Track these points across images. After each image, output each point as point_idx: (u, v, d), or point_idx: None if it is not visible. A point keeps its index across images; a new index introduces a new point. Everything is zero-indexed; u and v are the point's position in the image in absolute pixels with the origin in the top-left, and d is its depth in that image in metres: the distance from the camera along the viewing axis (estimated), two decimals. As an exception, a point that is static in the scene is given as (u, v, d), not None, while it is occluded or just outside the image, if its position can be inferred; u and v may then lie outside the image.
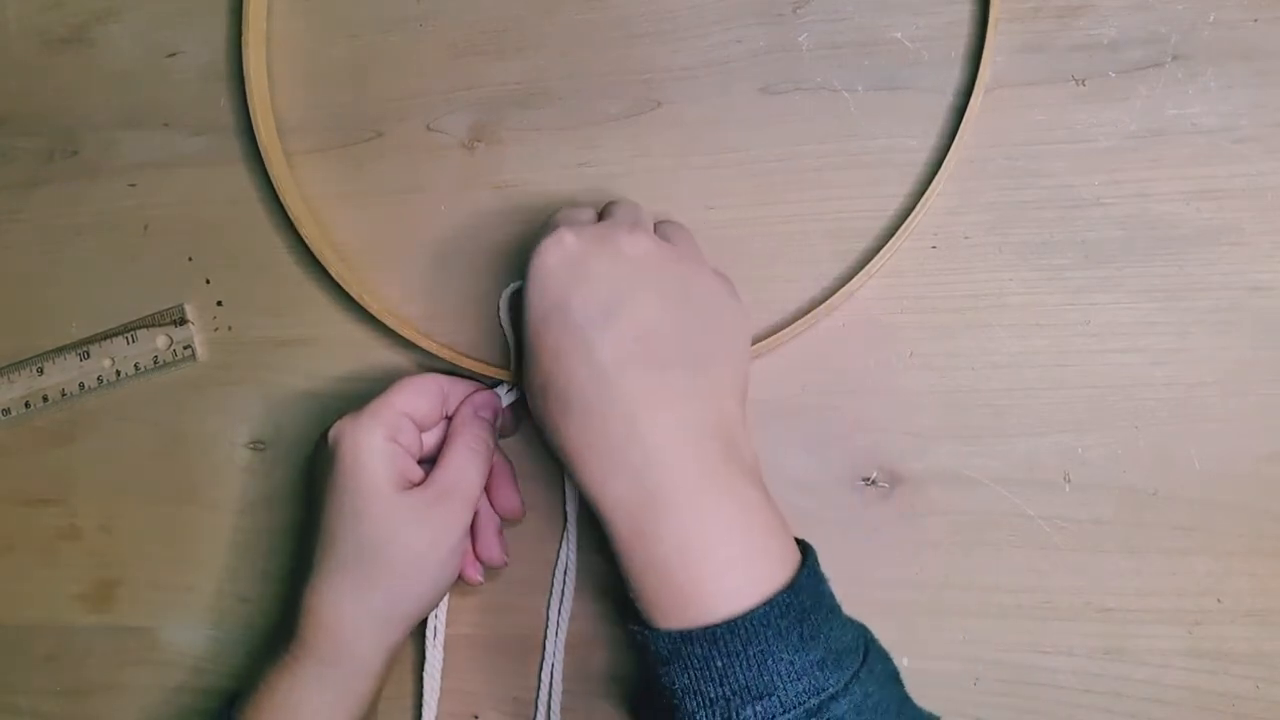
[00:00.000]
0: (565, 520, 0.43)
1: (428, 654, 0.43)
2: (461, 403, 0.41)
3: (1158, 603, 0.39)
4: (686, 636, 0.31)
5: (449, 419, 0.41)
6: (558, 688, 0.43)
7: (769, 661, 0.30)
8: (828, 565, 0.41)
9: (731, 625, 0.30)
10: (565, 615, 0.43)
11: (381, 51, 0.47)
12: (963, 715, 0.40)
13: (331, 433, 0.38)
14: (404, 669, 0.44)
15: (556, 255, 0.35)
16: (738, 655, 0.30)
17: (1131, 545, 0.39)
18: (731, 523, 0.32)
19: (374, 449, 0.37)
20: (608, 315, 0.34)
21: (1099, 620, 0.39)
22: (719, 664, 0.30)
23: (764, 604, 0.31)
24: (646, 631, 0.32)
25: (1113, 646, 0.39)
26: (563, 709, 0.43)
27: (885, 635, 0.40)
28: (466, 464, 0.39)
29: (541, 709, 0.43)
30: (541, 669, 0.43)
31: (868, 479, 0.41)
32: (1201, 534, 0.38)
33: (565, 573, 0.43)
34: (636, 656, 0.34)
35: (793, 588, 0.31)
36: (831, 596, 0.34)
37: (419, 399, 0.39)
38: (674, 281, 0.35)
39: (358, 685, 0.38)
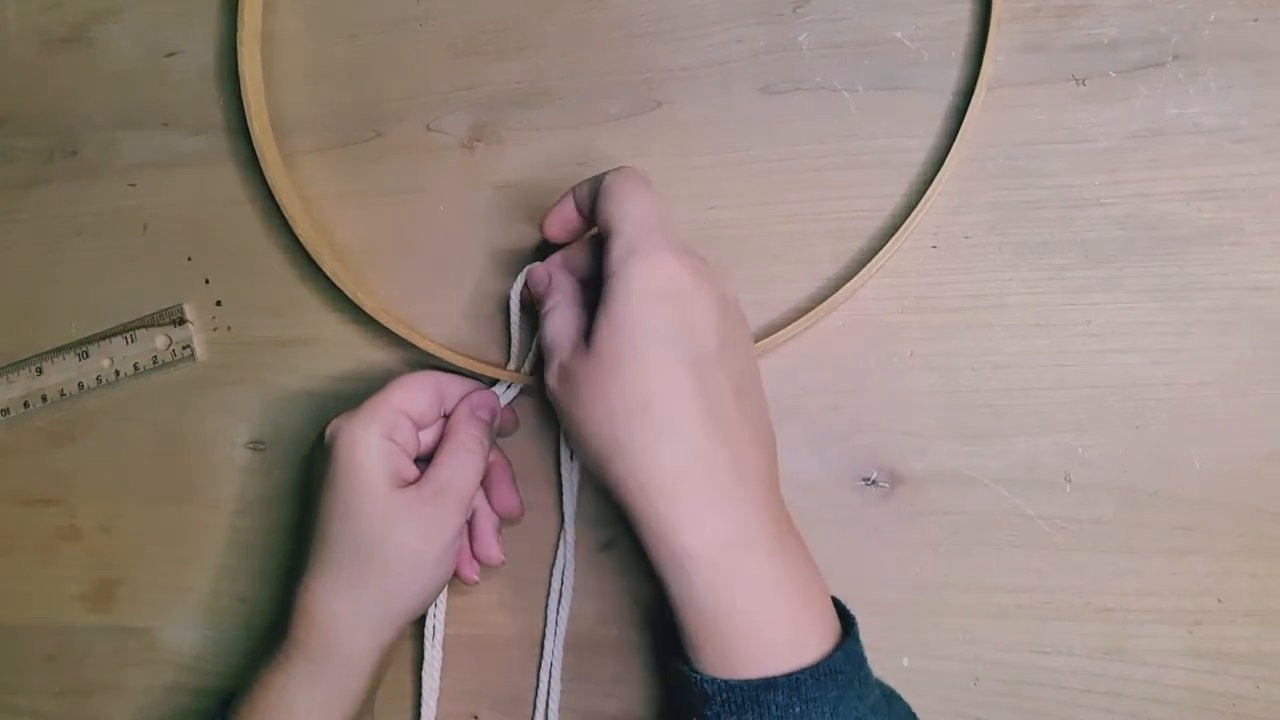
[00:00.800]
0: (563, 520, 0.43)
1: (426, 654, 0.43)
2: (459, 401, 0.41)
3: (1158, 603, 0.39)
4: (769, 684, 0.31)
5: (446, 417, 0.41)
6: (557, 688, 0.43)
7: (841, 708, 0.31)
8: (828, 565, 0.41)
9: (814, 670, 0.31)
10: (565, 615, 0.43)
11: (381, 51, 0.46)
12: (963, 715, 0.40)
13: (328, 430, 0.38)
14: (403, 668, 0.44)
15: (665, 278, 0.33)
16: (816, 701, 0.31)
17: (1131, 545, 0.39)
18: (802, 574, 0.33)
19: (370, 446, 0.37)
20: (718, 357, 0.33)
21: (1099, 620, 0.39)
22: (797, 710, 0.31)
23: (837, 650, 0.32)
24: (718, 681, 0.31)
25: (1113, 646, 0.39)
26: (562, 709, 0.43)
27: (885, 635, 0.40)
28: (461, 463, 0.39)
29: (541, 709, 0.43)
30: (540, 669, 0.43)
31: (868, 479, 0.41)
32: (1201, 534, 0.38)
33: (564, 573, 0.43)
34: (672, 702, 0.34)
35: (853, 635, 0.33)
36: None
37: (416, 396, 0.39)
38: (746, 332, 0.36)
39: (350, 683, 0.38)
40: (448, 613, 0.43)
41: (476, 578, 0.41)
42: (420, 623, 0.43)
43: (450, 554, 0.39)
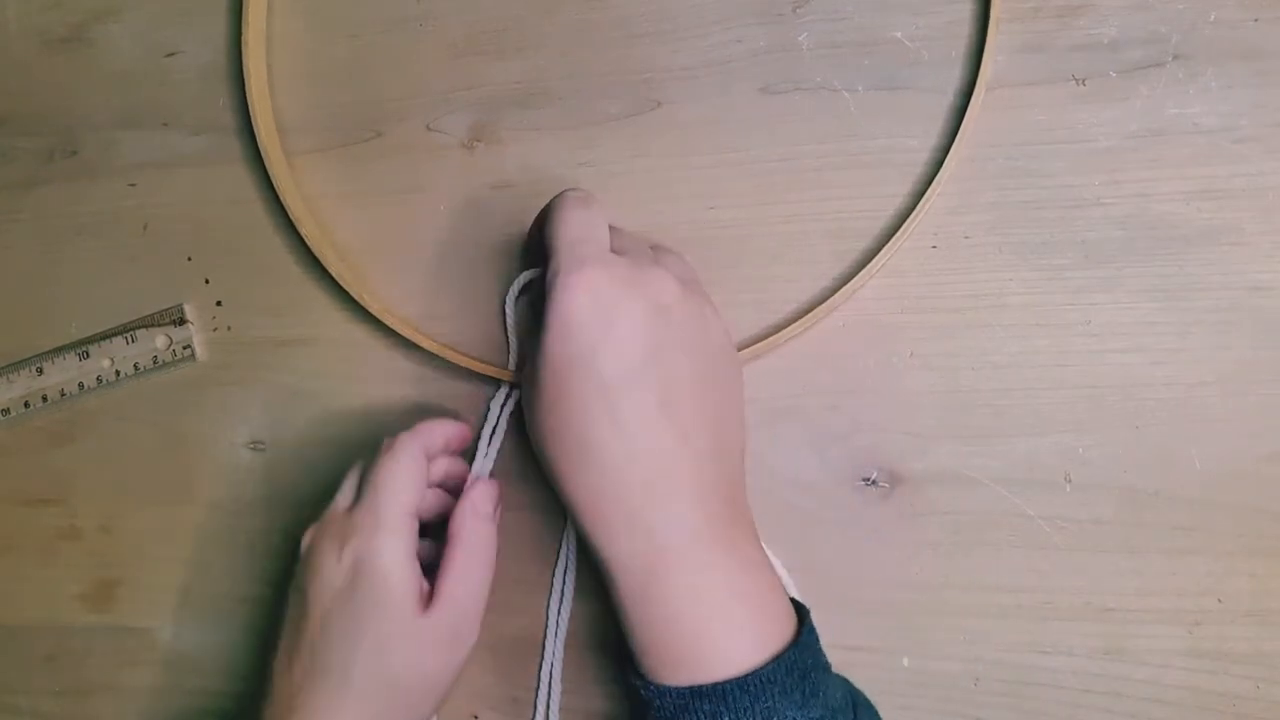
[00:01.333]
0: (565, 520, 0.43)
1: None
2: (461, 500, 0.38)
3: (1158, 603, 0.39)
4: (696, 692, 0.31)
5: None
6: (557, 688, 0.43)
7: (774, 718, 0.30)
8: (828, 565, 0.41)
9: (741, 682, 0.31)
10: (565, 615, 0.43)
11: (381, 51, 0.46)
12: (963, 715, 0.40)
13: (350, 546, 0.36)
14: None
15: (585, 298, 0.32)
16: (745, 711, 0.30)
17: (1131, 545, 0.39)
18: (738, 582, 0.33)
19: (402, 571, 0.36)
20: (638, 373, 0.32)
21: (1099, 620, 0.39)
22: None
23: (771, 661, 0.31)
24: (652, 687, 0.32)
25: (1113, 646, 0.39)
26: (562, 709, 0.43)
27: (885, 635, 0.40)
28: (474, 574, 0.37)
29: (541, 709, 0.43)
30: (541, 669, 0.43)
31: (868, 479, 0.41)
32: (1201, 534, 0.38)
33: (565, 573, 0.43)
34: (631, 708, 0.34)
35: (797, 645, 0.32)
36: (824, 654, 0.34)
37: (416, 482, 0.38)
38: (697, 333, 0.34)
39: None
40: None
41: None
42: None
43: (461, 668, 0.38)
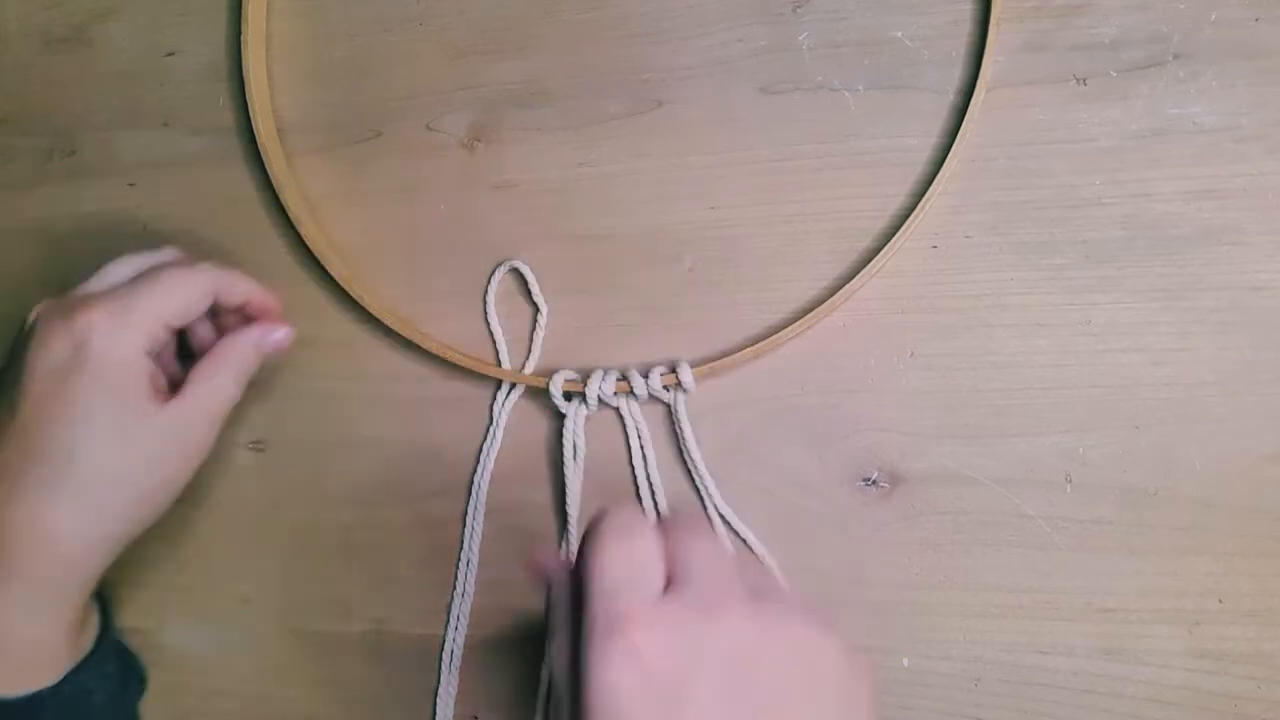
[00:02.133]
0: (565, 521, 0.43)
1: (442, 679, 0.43)
2: (245, 325, 0.39)
3: (1158, 603, 0.39)
4: None
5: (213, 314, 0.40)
6: (558, 688, 0.43)
7: None
8: (828, 565, 0.41)
9: None
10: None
11: (381, 51, 0.46)
12: (963, 715, 0.40)
13: (79, 325, 0.34)
14: (406, 668, 0.44)
15: (630, 676, 0.24)
16: None
17: (1132, 545, 0.39)
18: None
19: (137, 361, 0.34)
20: None
21: (1099, 620, 0.39)
22: None
23: None
24: None
25: (1113, 646, 0.39)
26: (563, 709, 0.43)
27: (885, 635, 0.40)
28: (221, 379, 0.37)
29: (541, 708, 0.43)
30: (543, 669, 0.43)
31: (868, 479, 0.41)
32: (1201, 534, 0.38)
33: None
34: None
35: None
36: None
37: (185, 308, 0.36)
38: (799, 676, 0.26)
39: (69, 599, 0.36)
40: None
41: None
42: (437, 643, 0.43)
43: (194, 466, 0.37)
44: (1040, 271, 0.40)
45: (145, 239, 0.48)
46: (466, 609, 0.44)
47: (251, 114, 0.45)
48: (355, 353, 0.46)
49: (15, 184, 0.50)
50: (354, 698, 0.45)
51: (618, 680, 0.24)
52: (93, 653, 0.38)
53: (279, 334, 0.40)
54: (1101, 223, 0.39)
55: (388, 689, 0.45)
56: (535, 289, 0.43)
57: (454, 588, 0.44)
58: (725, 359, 0.41)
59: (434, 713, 0.43)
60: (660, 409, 0.43)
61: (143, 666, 0.44)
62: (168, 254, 0.40)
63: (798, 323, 0.40)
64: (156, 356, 0.37)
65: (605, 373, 0.42)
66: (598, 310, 0.44)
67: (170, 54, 0.49)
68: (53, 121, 0.50)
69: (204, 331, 0.41)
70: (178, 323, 0.37)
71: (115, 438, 0.34)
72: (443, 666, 0.43)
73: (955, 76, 0.41)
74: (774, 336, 0.40)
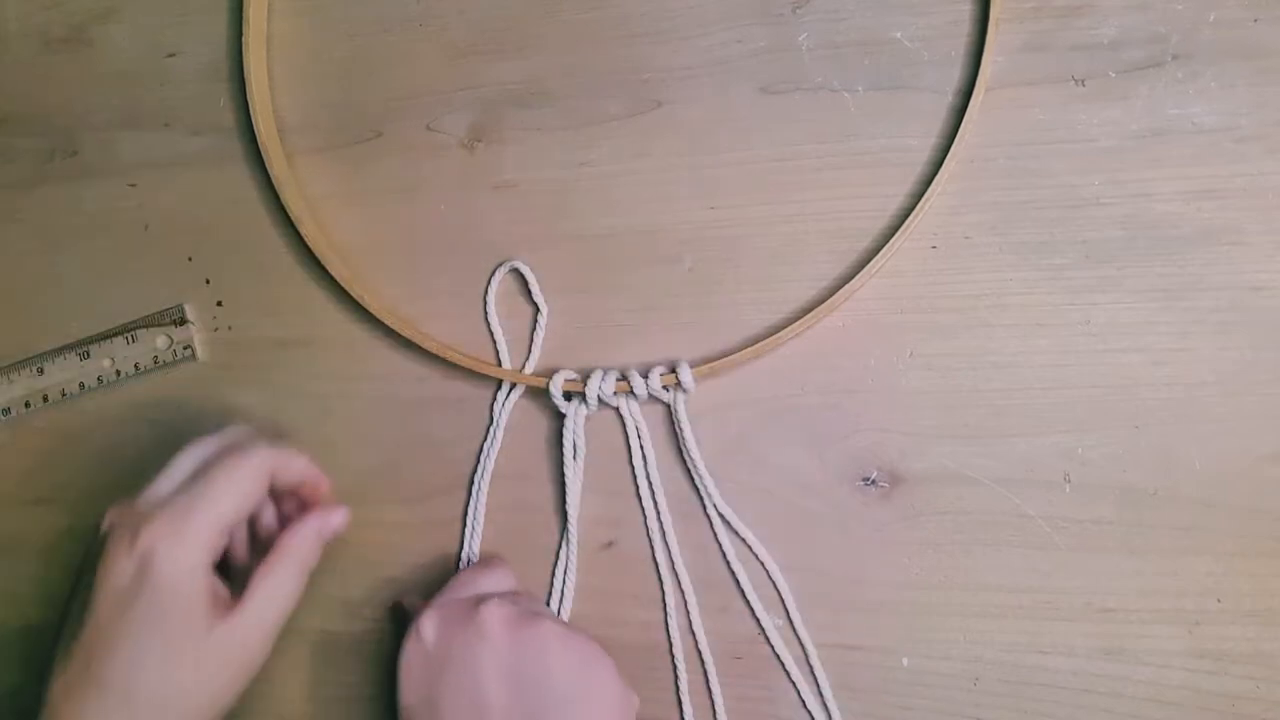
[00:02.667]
0: (565, 520, 0.43)
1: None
2: (309, 516, 0.39)
3: (1158, 603, 0.39)
4: None
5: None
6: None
7: None
8: (828, 565, 0.41)
9: None
10: (565, 615, 0.43)
11: (381, 51, 0.46)
12: (963, 715, 0.40)
13: (142, 543, 0.34)
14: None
15: (418, 654, 0.36)
16: None
17: (1131, 545, 0.39)
18: None
19: (196, 579, 0.34)
20: (475, 712, 0.35)
21: (1099, 620, 0.39)
22: None
23: None
24: None
25: (1113, 646, 0.39)
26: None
27: (885, 635, 0.40)
28: (287, 590, 0.37)
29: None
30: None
31: (868, 479, 0.41)
32: (1201, 534, 0.38)
33: (565, 572, 0.43)
34: None
35: None
36: None
37: (243, 505, 0.36)
38: (532, 663, 0.36)
39: None
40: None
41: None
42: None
43: (258, 666, 0.37)
44: (1040, 271, 0.40)
45: (145, 239, 0.48)
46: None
47: (252, 114, 0.45)
48: (355, 353, 0.46)
49: (15, 184, 0.50)
50: (354, 697, 0.45)
51: (410, 657, 0.37)
52: None
53: (336, 519, 0.40)
54: (1101, 223, 0.39)
55: (388, 689, 0.45)
56: (535, 289, 0.44)
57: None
58: (725, 359, 0.41)
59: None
60: (660, 409, 0.43)
61: None
62: (231, 435, 0.40)
63: (798, 323, 0.40)
64: (224, 554, 0.37)
65: (605, 373, 0.42)
66: (598, 310, 0.44)
67: (171, 54, 0.49)
68: (53, 122, 0.50)
69: (267, 517, 0.41)
70: (238, 520, 0.37)
71: (172, 664, 0.34)
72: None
73: (955, 77, 0.41)
74: (774, 336, 0.40)
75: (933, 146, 0.41)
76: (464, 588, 0.39)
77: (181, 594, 0.34)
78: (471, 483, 0.44)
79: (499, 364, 0.44)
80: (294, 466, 0.39)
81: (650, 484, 0.42)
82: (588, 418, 0.43)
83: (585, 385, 0.41)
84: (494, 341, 0.44)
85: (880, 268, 0.40)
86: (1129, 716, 0.39)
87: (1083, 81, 0.40)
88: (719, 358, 0.41)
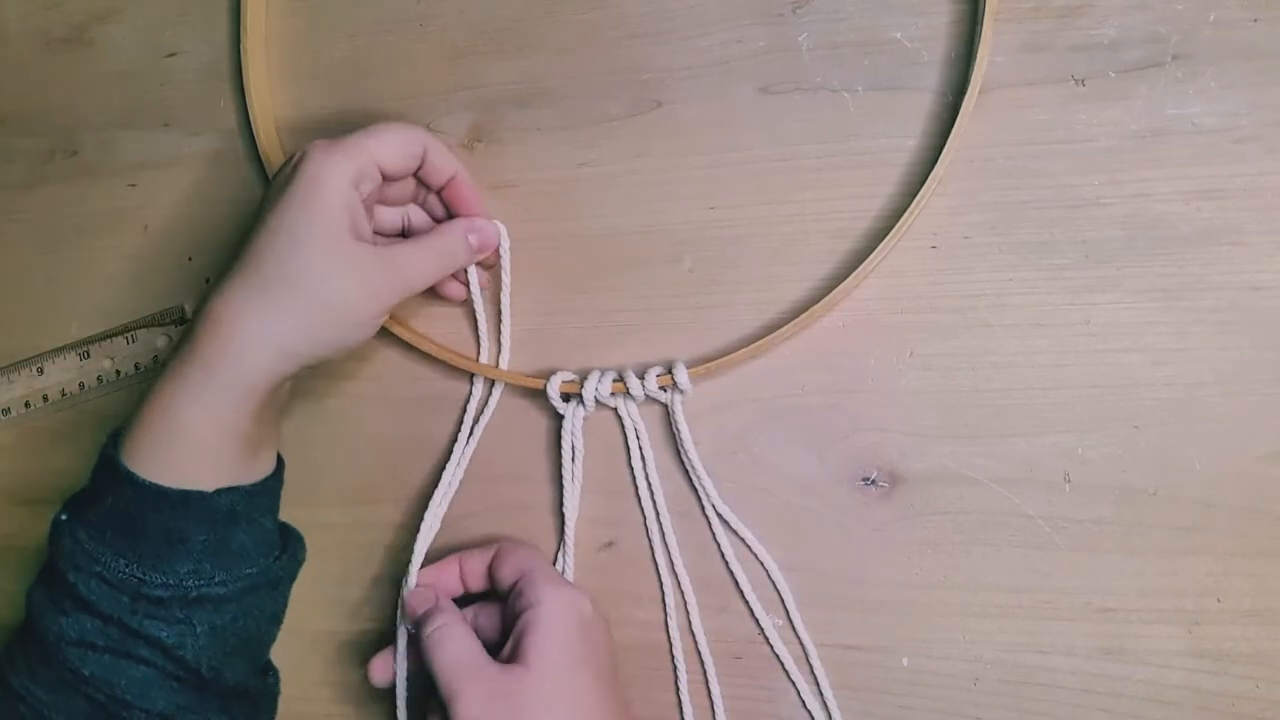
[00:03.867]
0: (564, 520, 0.43)
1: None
2: (458, 217, 0.42)
3: (1158, 603, 0.39)
4: None
5: (419, 180, 0.42)
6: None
7: None
8: (828, 565, 0.41)
9: None
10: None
11: (381, 51, 0.47)
12: (963, 715, 0.40)
13: (300, 153, 0.37)
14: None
15: (580, 609, 0.38)
16: None
17: (1131, 545, 0.39)
18: None
19: (337, 187, 0.36)
20: (611, 673, 0.39)
21: (1099, 620, 0.39)
22: None
23: None
24: None
25: (1113, 646, 0.39)
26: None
27: (885, 635, 0.40)
28: (429, 267, 0.40)
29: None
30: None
31: (868, 479, 0.41)
32: (1201, 534, 0.38)
33: (565, 572, 0.43)
34: None
35: None
36: None
37: (398, 151, 0.39)
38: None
39: (241, 403, 0.37)
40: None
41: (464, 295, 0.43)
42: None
43: (372, 324, 0.39)
44: (1040, 271, 0.40)
45: (145, 239, 0.48)
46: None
47: (251, 114, 0.45)
48: (355, 353, 0.46)
49: (15, 184, 0.50)
50: (354, 697, 0.45)
51: (572, 610, 0.38)
52: (254, 486, 0.40)
53: (486, 226, 0.42)
54: (1101, 223, 0.39)
55: (388, 688, 0.45)
56: (506, 256, 0.44)
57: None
58: (723, 359, 0.41)
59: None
60: (660, 408, 0.43)
61: (302, 542, 0.44)
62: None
63: (796, 321, 0.40)
64: (364, 204, 0.38)
65: (602, 374, 0.42)
66: (597, 310, 0.44)
67: (171, 54, 0.49)
68: (53, 122, 0.50)
69: (418, 217, 0.44)
70: (387, 164, 0.39)
71: (300, 244, 0.36)
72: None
73: (954, 77, 0.41)
74: (773, 335, 0.40)
75: (932, 147, 0.41)
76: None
77: (321, 193, 0.36)
78: (439, 478, 0.44)
79: (496, 364, 0.44)
80: (445, 156, 0.41)
81: (650, 484, 0.42)
82: (586, 418, 0.43)
83: (582, 387, 0.41)
84: (477, 340, 0.44)
85: (876, 266, 0.40)
86: (1129, 716, 0.39)
87: (1082, 81, 0.40)
88: (716, 358, 0.41)
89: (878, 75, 0.41)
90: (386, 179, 0.39)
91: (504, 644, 0.38)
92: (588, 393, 0.41)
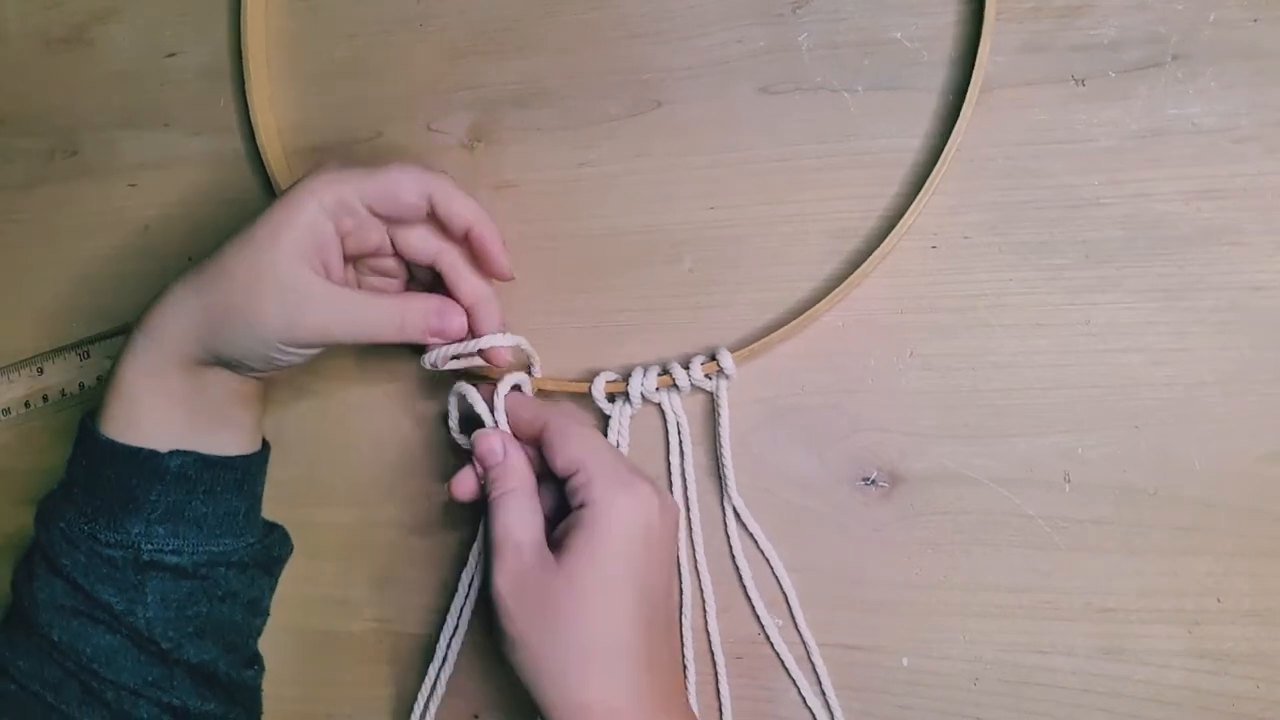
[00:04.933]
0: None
1: (434, 662, 0.43)
2: (431, 296, 0.39)
3: (1158, 603, 0.39)
4: None
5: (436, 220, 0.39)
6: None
7: None
8: (828, 565, 0.41)
9: None
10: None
11: (381, 51, 0.47)
12: (963, 715, 0.40)
13: (311, 172, 0.37)
14: (406, 667, 0.44)
15: (645, 512, 0.36)
16: None
17: (1131, 545, 0.39)
18: None
19: (308, 212, 0.36)
20: (668, 586, 0.38)
21: (1099, 620, 0.39)
22: None
23: None
24: None
25: (1113, 646, 0.39)
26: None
27: (885, 635, 0.40)
28: (365, 328, 0.37)
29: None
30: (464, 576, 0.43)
31: (868, 479, 0.41)
32: (1201, 534, 0.38)
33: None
34: None
35: None
36: None
37: (392, 192, 0.37)
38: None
39: (171, 370, 0.38)
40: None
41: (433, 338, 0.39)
42: (433, 627, 0.43)
43: (298, 353, 0.38)
44: (1040, 271, 0.40)
45: (146, 239, 0.48)
46: (468, 609, 0.44)
47: (251, 114, 0.45)
48: (355, 352, 0.46)
49: (15, 184, 0.50)
50: (354, 697, 0.45)
51: (633, 515, 0.36)
52: (212, 457, 0.40)
53: (454, 323, 0.39)
54: (1101, 223, 0.39)
55: (388, 689, 0.45)
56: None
57: (455, 588, 0.44)
58: (764, 340, 0.40)
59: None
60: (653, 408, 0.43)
61: (286, 538, 0.45)
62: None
63: (796, 321, 0.40)
64: (339, 245, 0.38)
65: (646, 369, 0.41)
66: (597, 310, 0.44)
67: (171, 54, 0.49)
68: (53, 122, 0.50)
69: (416, 243, 0.40)
70: (378, 204, 0.37)
71: (247, 254, 0.36)
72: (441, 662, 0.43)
73: (955, 77, 0.41)
74: (773, 336, 0.40)
75: (932, 147, 0.41)
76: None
77: (292, 213, 0.36)
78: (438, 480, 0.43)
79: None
80: (456, 203, 0.37)
81: (685, 480, 0.42)
82: (632, 416, 0.42)
83: (628, 384, 0.41)
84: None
85: (876, 266, 0.40)
86: (1129, 716, 0.39)
87: (1082, 81, 0.40)
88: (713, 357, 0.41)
89: (878, 75, 0.41)
90: (387, 220, 0.38)
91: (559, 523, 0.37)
92: (634, 390, 0.41)
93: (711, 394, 0.41)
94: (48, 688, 0.38)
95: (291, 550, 0.45)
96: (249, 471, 0.42)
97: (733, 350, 0.41)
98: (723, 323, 0.42)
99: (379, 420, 0.46)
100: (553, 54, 0.45)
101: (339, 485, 0.46)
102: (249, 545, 0.42)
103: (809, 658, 0.41)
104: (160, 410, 0.39)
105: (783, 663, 0.41)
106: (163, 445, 0.39)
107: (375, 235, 0.38)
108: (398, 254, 0.39)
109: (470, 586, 0.43)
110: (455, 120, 0.46)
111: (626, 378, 0.41)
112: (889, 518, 0.41)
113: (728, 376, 0.41)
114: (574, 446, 0.37)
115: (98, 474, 0.39)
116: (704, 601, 0.42)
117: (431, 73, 0.46)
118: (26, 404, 0.49)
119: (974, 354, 0.40)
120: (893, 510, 0.41)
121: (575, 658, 0.34)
